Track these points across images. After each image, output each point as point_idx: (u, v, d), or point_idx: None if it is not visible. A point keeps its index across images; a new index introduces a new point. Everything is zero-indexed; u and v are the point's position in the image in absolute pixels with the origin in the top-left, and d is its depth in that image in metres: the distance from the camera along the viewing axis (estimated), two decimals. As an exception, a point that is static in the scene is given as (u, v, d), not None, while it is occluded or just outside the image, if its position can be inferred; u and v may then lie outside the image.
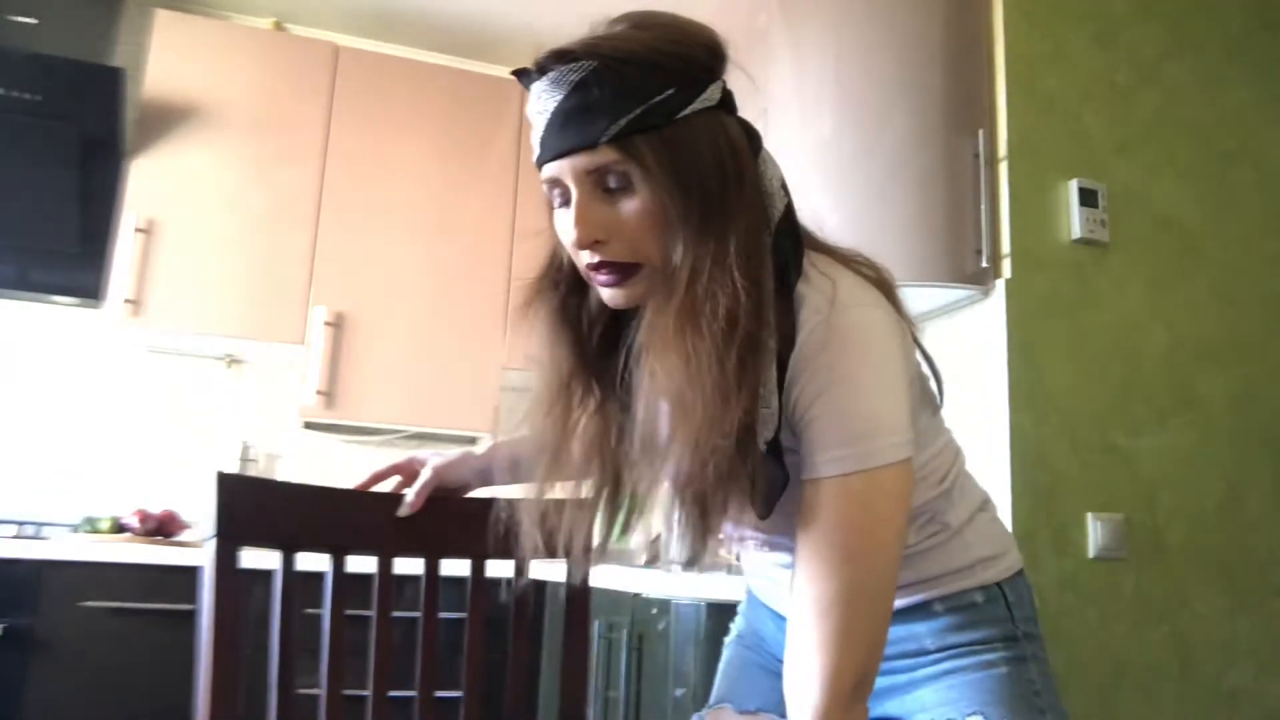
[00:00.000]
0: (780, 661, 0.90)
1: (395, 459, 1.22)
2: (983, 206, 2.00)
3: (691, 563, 0.92)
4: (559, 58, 0.85)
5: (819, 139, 2.10)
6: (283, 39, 3.31)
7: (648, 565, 2.85)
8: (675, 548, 0.98)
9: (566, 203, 0.88)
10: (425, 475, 1.19)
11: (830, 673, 0.83)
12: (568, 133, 0.85)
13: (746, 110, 0.94)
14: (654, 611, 2.03)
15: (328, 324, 3.02)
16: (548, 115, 0.86)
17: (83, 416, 3.06)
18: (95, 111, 2.80)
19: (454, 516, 1.16)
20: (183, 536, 2.76)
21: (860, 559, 0.85)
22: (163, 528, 2.74)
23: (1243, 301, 2.14)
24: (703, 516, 0.86)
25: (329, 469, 3.25)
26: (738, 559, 1.51)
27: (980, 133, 2.02)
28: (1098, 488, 1.94)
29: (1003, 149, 2.03)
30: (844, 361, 0.86)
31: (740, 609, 1.29)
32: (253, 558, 1.04)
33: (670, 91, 0.84)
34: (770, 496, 0.87)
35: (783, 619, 1.11)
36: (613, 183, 0.86)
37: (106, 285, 2.91)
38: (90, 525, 2.70)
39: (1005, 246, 1.98)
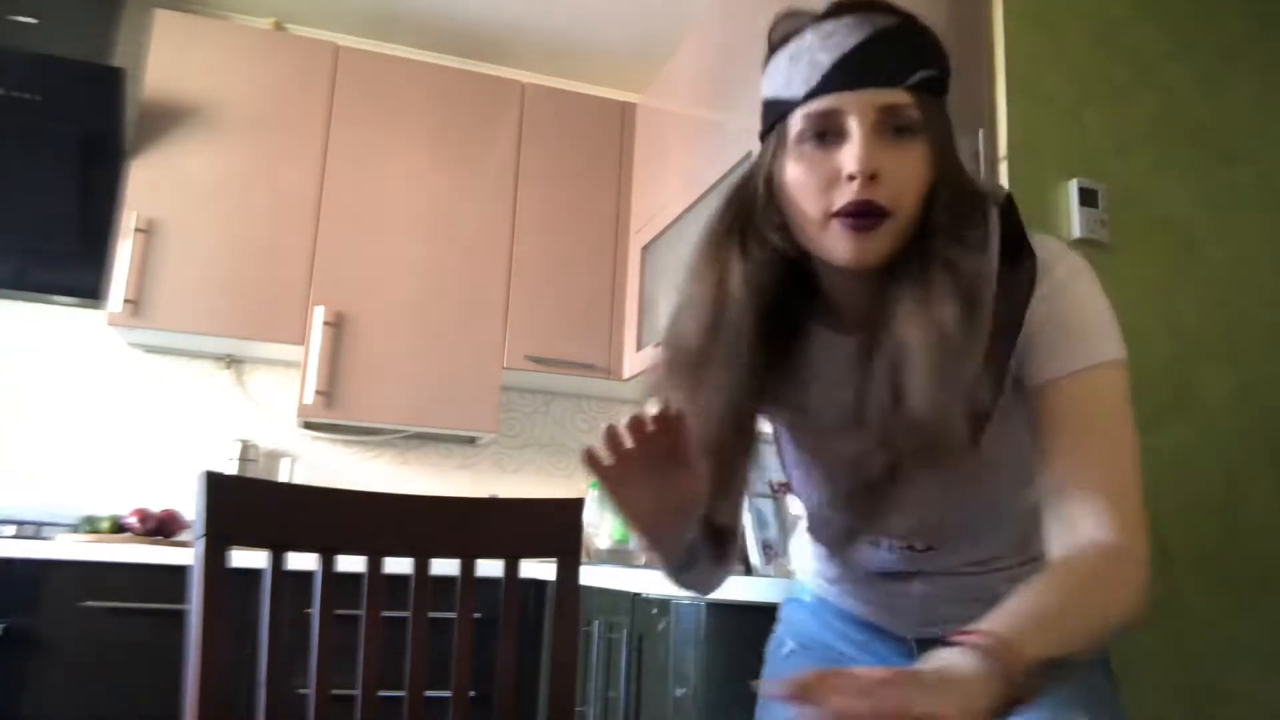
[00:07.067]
0: None
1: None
2: (982, 206, 1.99)
3: (852, 535, 0.99)
4: (864, 7, 0.91)
5: (818, 138, 2.09)
6: (283, 39, 3.31)
7: (648, 565, 2.85)
8: (824, 525, 1.06)
9: (827, 138, 0.90)
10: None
11: (1118, 495, 0.87)
12: (868, 70, 0.89)
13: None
14: (654, 611, 2.03)
15: (327, 324, 3.02)
16: (842, 51, 0.89)
17: (83, 416, 3.07)
18: (95, 111, 2.80)
19: (442, 516, 1.16)
20: (183, 536, 2.76)
21: (1102, 439, 0.90)
22: (163, 528, 2.74)
23: (1243, 301, 2.13)
24: (877, 491, 0.92)
25: (328, 469, 3.25)
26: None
27: (980, 133, 2.01)
28: (1097, 488, 1.93)
29: (1003, 149, 2.02)
30: (1066, 293, 0.95)
31: (786, 617, 1.26)
32: (244, 558, 1.04)
33: (945, 74, 0.94)
34: (976, 434, 0.90)
35: (866, 627, 1.16)
36: (899, 125, 0.89)
37: (106, 285, 2.92)
38: (90, 525, 2.70)
39: (1005, 246, 1.98)
